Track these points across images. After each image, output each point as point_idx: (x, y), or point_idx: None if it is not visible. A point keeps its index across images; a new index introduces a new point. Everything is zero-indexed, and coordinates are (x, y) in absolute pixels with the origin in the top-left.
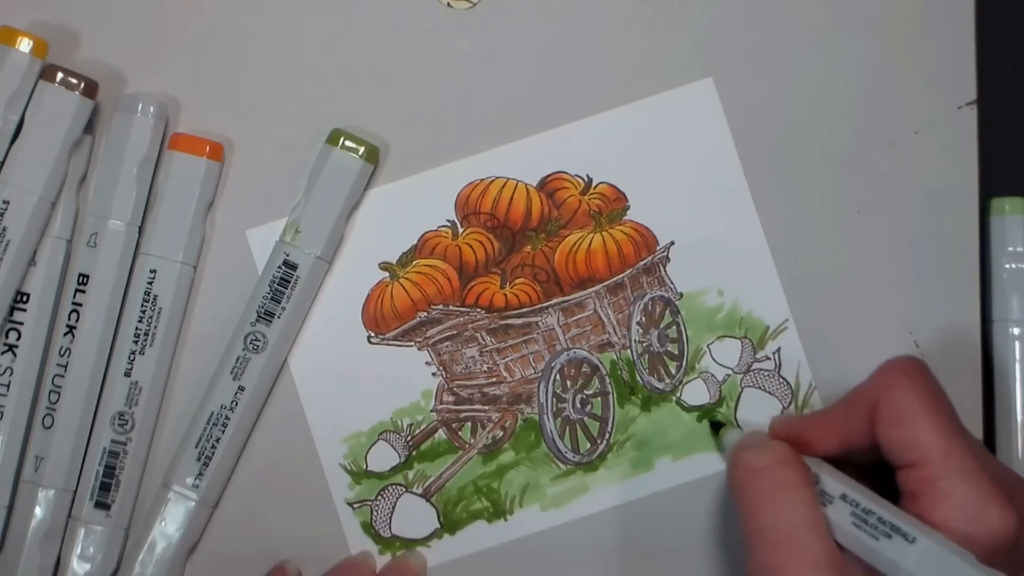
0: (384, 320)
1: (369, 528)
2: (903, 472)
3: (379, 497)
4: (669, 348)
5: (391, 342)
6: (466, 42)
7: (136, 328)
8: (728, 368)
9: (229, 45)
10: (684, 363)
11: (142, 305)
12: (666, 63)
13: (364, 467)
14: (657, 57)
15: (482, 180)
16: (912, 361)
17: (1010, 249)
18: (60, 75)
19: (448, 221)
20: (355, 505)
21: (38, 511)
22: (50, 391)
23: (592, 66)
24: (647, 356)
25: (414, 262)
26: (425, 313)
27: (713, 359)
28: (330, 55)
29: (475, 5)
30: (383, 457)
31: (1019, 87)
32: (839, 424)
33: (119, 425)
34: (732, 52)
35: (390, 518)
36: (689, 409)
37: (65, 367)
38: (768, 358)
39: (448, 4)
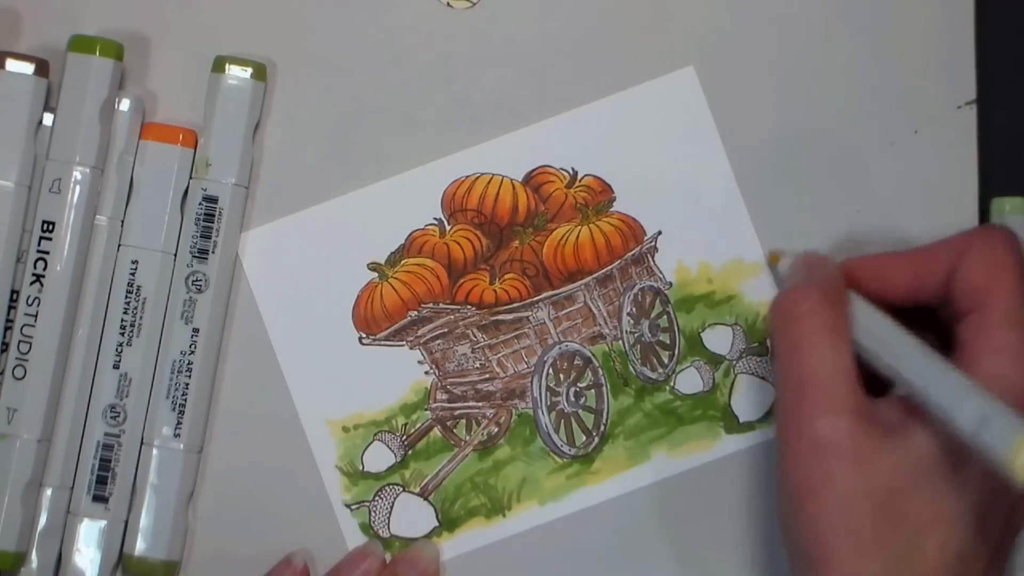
0: (375, 321)
1: (368, 529)
2: (965, 321)
3: (376, 497)
4: (661, 338)
5: (383, 342)
6: (462, 41)
7: (122, 320)
8: (720, 355)
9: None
10: (676, 352)
11: (126, 296)
12: (650, 53)
13: (360, 468)
14: (642, 47)
15: (467, 177)
16: (1013, 234)
17: None
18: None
19: (435, 219)
20: (353, 506)
21: (18, 469)
22: (20, 341)
23: (577, 59)
24: (639, 347)
25: (403, 261)
26: (415, 312)
27: (705, 347)
28: (328, 52)
29: (475, 5)
30: (379, 457)
31: (1019, 87)
32: (919, 263)
33: (111, 418)
34: (721, 44)
35: (388, 518)
36: (683, 398)
37: (35, 316)
38: (760, 344)
39: (448, 4)
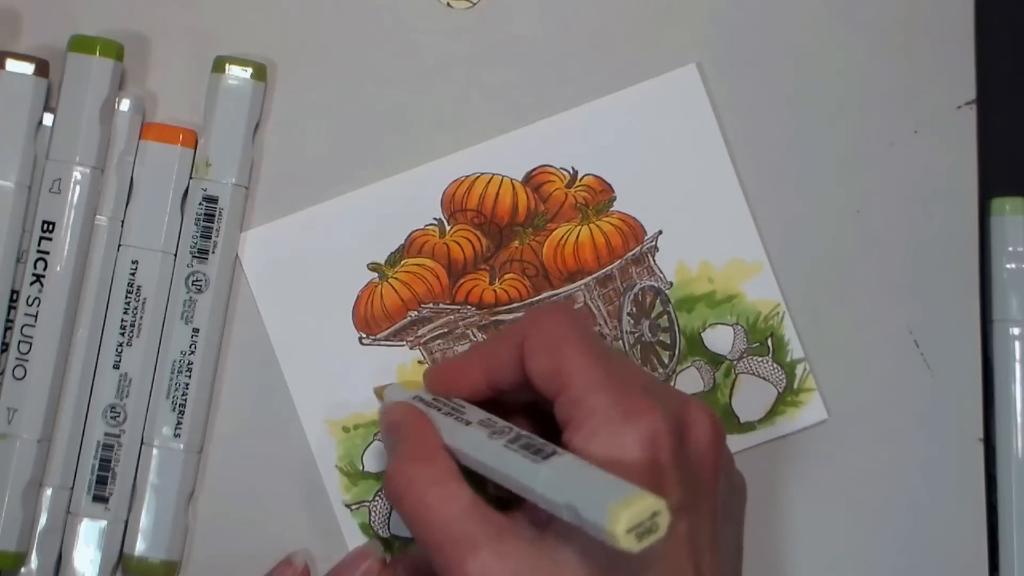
0: (375, 321)
1: (367, 529)
2: (556, 405)
3: (376, 497)
4: (661, 338)
5: (383, 342)
6: (462, 41)
7: (122, 320)
8: (721, 355)
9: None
10: (677, 352)
11: (126, 297)
12: (651, 51)
13: (360, 468)
14: (643, 45)
15: (467, 177)
16: (559, 303)
17: (1010, 249)
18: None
19: (435, 219)
20: (353, 506)
21: (19, 469)
22: (20, 341)
23: (577, 58)
24: (639, 347)
25: (403, 262)
26: (415, 312)
27: (705, 347)
28: (328, 52)
29: (475, 5)
30: (379, 457)
31: (1019, 87)
32: (485, 361)
33: (111, 418)
34: (722, 43)
35: (388, 518)
36: None
37: (35, 316)
38: (760, 344)
39: (448, 4)
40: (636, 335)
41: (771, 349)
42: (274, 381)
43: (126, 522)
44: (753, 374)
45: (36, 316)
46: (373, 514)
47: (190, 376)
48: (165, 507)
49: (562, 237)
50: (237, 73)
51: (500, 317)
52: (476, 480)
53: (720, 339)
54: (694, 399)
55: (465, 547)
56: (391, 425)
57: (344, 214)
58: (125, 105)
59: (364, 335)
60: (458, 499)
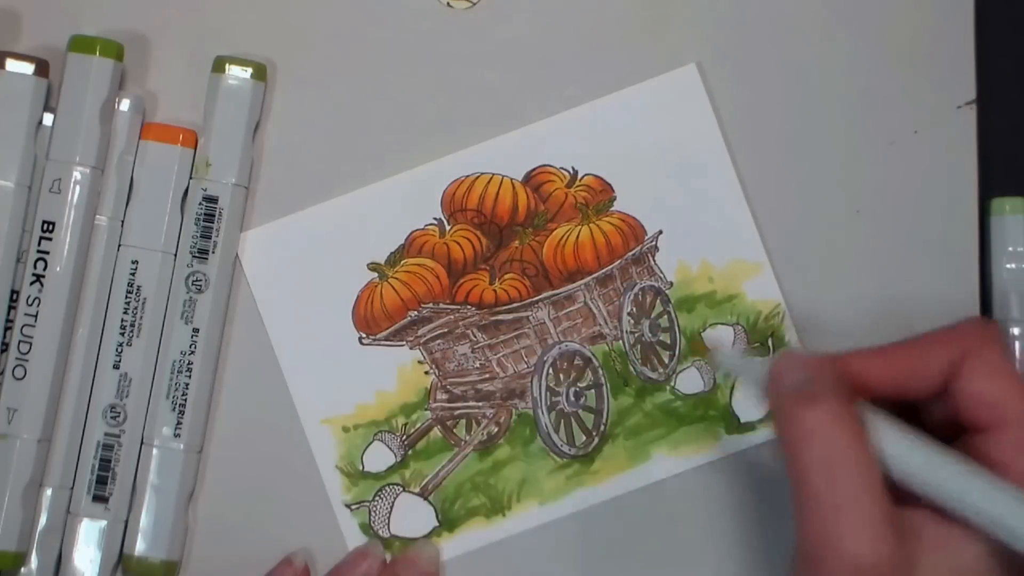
0: (375, 321)
1: (367, 529)
2: (983, 436)
3: (376, 497)
4: (661, 337)
5: (383, 342)
6: (462, 41)
7: (122, 320)
8: None
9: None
10: (677, 352)
11: (126, 297)
12: (651, 51)
13: (360, 468)
14: (643, 45)
15: (467, 177)
16: (996, 326)
17: (1010, 249)
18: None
19: (435, 219)
20: (353, 506)
21: (19, 469)
22: (20, 341)
23: (577, 58)
24: (639, 346)
25: (403, 261)
26: (415, 312)
27: (706, 347)
28: (328, 52)
29: (475, 5)
30: (379, 457)
31: (1019, 87)
32: (904, 365)
33: (111, 418)
34: (722, 43)
35: (388, 518)
36: (684, 398)
37: (35, 316)
38: (761, 344)
39: (448, 4)
40: (636, 335)
41: (771, 349)
42: (274, 381)
43: (126, 522)
44: None
45: (36, 316)
46: (373, 514)
47: (190, 376)
48: (165, 507)
49: (562, 237)
50: (237, 73)
51: (500, 317)
52: None
53: (720, 339)
54: None
55: (867, 524)
56: (811, 365)
57: (344, 214)
58: (125, 105)
59: (364, 335)
60: (874, 473)
